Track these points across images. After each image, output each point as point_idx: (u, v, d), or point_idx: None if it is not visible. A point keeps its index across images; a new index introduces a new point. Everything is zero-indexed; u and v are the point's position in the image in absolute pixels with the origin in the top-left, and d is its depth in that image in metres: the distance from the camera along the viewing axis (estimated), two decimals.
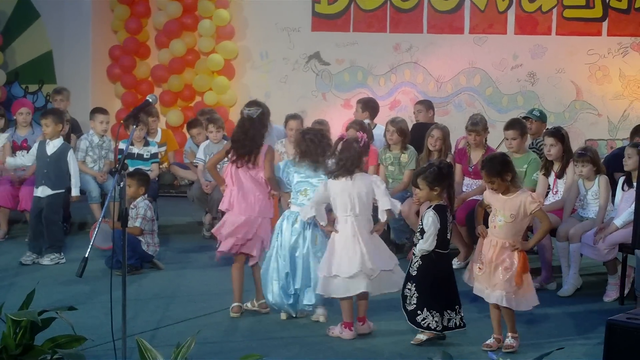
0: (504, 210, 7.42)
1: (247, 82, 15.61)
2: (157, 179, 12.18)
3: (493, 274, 7.39)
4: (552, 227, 7.27)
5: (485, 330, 7.66)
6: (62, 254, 10.45)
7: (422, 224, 7.54)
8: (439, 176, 7.55)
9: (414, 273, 7.50)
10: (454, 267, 10.25)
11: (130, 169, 11.58)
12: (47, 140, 10.60)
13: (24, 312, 6.04)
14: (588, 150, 9.50)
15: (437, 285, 7.52)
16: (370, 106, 12.23)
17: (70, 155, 10.64)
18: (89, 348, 6.66)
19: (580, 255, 9.33)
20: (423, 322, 7.45)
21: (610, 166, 10.01)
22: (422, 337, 7.55)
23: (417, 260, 7.50)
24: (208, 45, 15.40)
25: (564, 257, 9.43)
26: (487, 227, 7.58)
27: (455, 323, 7.56)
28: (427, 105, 12.45)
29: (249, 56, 15.61)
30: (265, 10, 15.36)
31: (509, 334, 7.48)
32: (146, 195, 10.42)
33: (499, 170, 7.44)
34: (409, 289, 7.52)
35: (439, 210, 7.53)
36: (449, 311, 7.54)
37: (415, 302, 7.48)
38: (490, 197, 7.55)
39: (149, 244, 10.14)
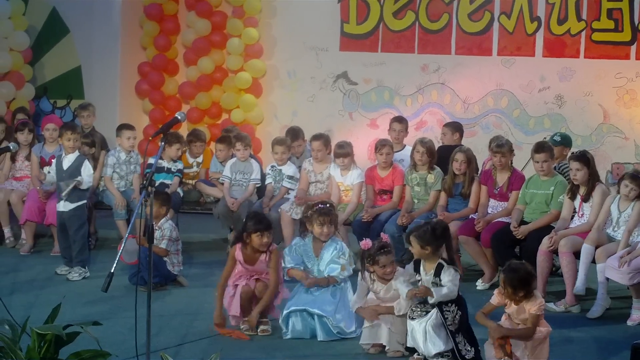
0: (513, 314, 7.27)
1: (275, 100, 15.64)
2: (181, 193, 12.24)
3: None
4: (531, 334, 7.23)
5: None
6: (86, 267, 10.49)
7: (439, 279, 7.44)
8: (431, 237, 7.52)
9: (457, 326, 7.38)
10: (479, 288, 10.32)
11: (156, 182, 11.70)
12: (63, 155, 10.54)
13: (49, 326, 6.06)
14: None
15: (469, 325, 7.52)
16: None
17: (85, 166, 10.45)
18: None
19: (607, 280, 9.29)
20: None
21: None
22: None
23: (456, 313, 7.39)
24: (236, 63, 15.44)
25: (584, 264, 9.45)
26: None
27: None
28: (453, 127, 12.34)
29: (276, 75, 15.64)
30: (293, 30, 15.40)
31: None
32: (168, 216, 10.43)
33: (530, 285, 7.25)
34: (459, 342, 7.37)
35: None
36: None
37: (473, 355, 7.36)
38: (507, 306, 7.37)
39: (174, 264, 10.14)
